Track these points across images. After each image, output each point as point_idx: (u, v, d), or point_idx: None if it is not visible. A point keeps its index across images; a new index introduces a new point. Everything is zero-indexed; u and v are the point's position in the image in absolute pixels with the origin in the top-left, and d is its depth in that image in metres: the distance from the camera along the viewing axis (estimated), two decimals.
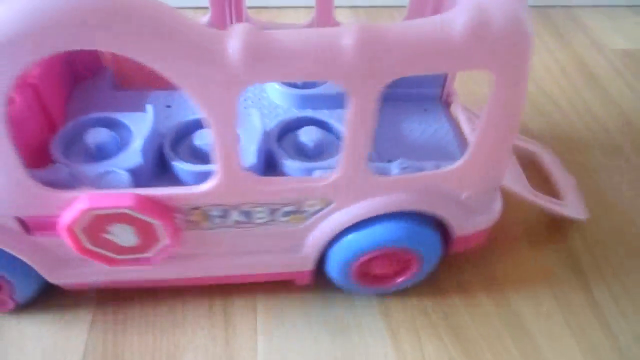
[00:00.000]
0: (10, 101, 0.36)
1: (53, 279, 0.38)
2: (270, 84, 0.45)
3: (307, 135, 0.39)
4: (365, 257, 0.38)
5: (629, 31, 0.82)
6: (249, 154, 0.37)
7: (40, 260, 0.36)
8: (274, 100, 0.45)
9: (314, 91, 0.44)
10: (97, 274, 0.38)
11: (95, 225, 0.33)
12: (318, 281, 0.42)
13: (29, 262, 0.36)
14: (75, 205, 0.32)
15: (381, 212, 0.35)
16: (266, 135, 0.39)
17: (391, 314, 0.42)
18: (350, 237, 0.37)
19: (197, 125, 0.39)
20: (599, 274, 0.46)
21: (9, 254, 0.35)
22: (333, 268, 0.40)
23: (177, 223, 0.34)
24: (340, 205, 0.35)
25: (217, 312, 0.42)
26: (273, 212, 0.36)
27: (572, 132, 0.61)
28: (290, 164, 0.37)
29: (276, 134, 0.40)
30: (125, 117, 0.40)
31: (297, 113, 0.44)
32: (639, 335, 0.42)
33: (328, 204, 0.35)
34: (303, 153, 0.39)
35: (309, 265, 0.40)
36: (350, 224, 0.36)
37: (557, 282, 0.45)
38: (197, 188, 0.33)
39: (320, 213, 0.36)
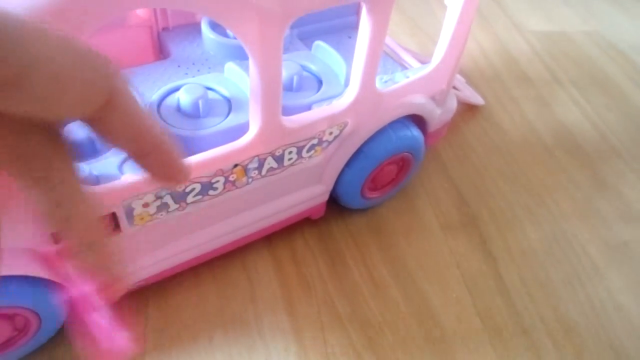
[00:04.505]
0: None
1: None
2: (205, 33, 0.44)
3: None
4: (386, 162, 0.43)
5: (549, 13, 0.81)
6: None
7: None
8: (208, 51, 0.45)
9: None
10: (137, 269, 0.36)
11: None
12: (218, 276, 0.41)
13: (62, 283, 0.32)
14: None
15: (392, 120, 0.40)
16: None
17: (295, 307, 0.40)
18: (367, 148, 0.41)
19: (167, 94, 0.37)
20: (509, 256, 0.45)
21: (34, 282, 0.31)
22: (348, 186, 0.43)
23: None
24: (354, 124, 0.39)
25: None
26: (300, 150, 0.37)
27: (489, 114, 0.61)
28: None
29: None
30: None
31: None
32: (544, 316, 0.41)
33: (344, 126, 0.38)
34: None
35: (326, 195, 0.43)
36: (367, 137, 0.40)
37: (467, 267, 0.44)
38: (241, 141, 0.33)
39: (337, 139, 0.39)
